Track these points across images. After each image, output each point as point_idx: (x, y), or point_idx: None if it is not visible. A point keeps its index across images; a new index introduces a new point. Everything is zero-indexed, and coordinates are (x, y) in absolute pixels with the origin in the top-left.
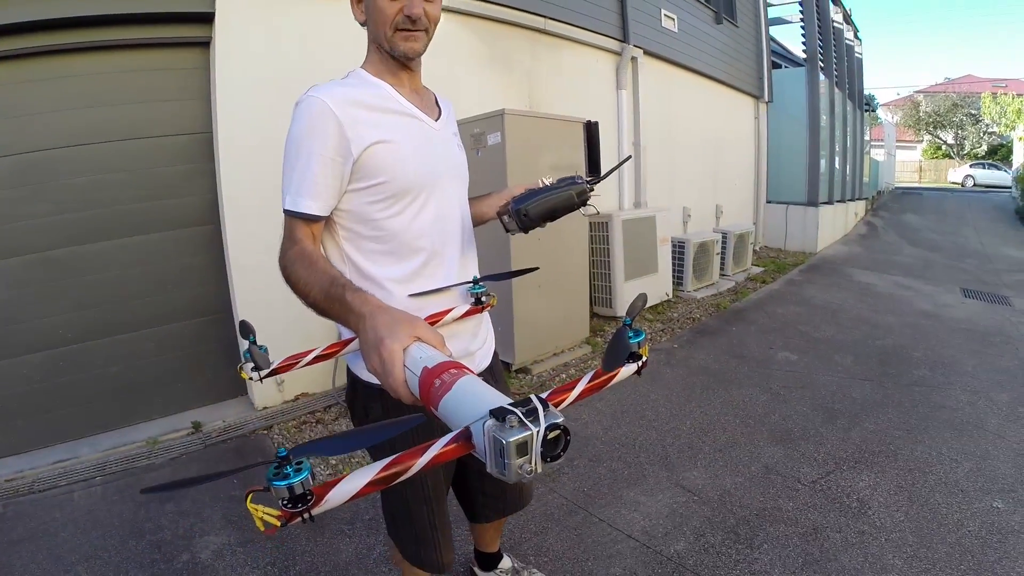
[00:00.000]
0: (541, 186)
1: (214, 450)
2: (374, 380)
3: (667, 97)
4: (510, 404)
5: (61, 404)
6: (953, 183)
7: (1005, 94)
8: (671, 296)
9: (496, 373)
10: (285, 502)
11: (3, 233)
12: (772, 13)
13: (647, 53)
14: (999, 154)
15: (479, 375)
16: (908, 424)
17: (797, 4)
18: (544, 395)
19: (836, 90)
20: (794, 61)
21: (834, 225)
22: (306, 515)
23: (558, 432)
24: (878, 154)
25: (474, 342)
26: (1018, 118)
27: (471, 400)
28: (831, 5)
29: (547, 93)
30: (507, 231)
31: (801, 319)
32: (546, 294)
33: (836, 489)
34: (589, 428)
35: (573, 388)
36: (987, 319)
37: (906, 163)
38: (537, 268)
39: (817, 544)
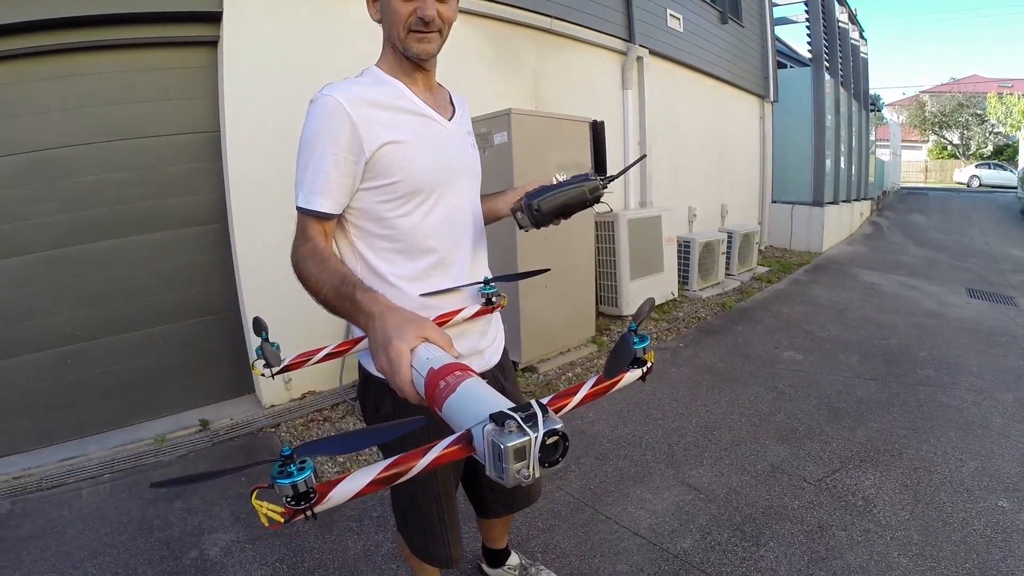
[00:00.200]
0: (554, 183)
1: (222, 448)
2: None
3: (673, 97)
4: (510, 409)
5: (68, 402)
6: (959, 183)
7: (1011, 94)
8: (676, 295)
9: (506, 370)
10: (289, 499)
11: (11, 231)
12: (777, 13)
13: (653, 53)
14: (1005, 154)
15: (489, 372)
16: (913, 423)
17: (802, 4)
18: (545, 400)
19: (841, 90)
20: (799, 61)
21: (839, 225)
22: (309, 512)
23: (557, 438)
24: (883, 154)
25: (483, 340)
26: None
27: (473, 403)
28: (836, 5)
29: (553, 93)
30: (520, 227)
31: (806, 319)
32: (552, 293)
33: (842, 487)
34: (595, 426)
35: (576, 393)
36: (992, 319)
37: (911, 163)
38: (548, 270)
39: (823, 542)
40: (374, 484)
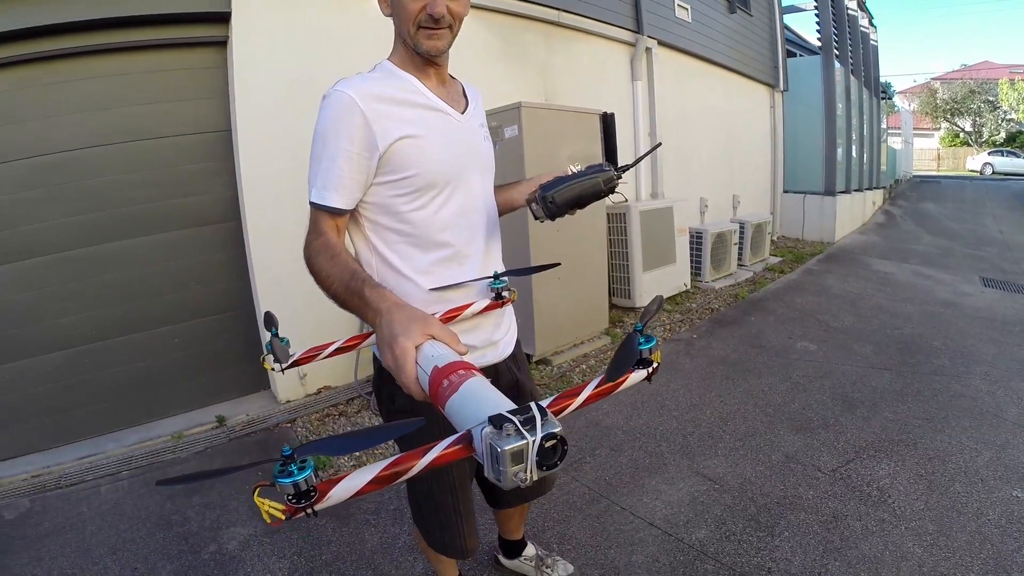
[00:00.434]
0: (569, 174)
1: (238, 443)
2: None
3: (682, 87)
4: (508, 412)
5: (85, 401)
6: (971, 171)
7: (1023, 80)
8: (689, 287)
9: (519, 361)
10: (290, 497)
11: (26, 233)
12: (786, 1)
13: (661, 44)
14: (1017, 141)
15: (503, 362)
16: (928, 413)
17: None
18: (547, 401)
19: (852, 78)
20: (809, 49)
21: (852, 214)
22: (309, 510)
23: (555, 441)
24: (895, 142)
25: (497, 331)
26: None
27: (474, 404)
28: None
29: (562, 85)
30: (535, 218)
31: (820, 309)
32: (565, 285)
33: (856, 478)
34: (610, 417)
35: (579, 394)
36: (1007, 308)
37: (924, 151)
38: (559, 264)
39: (837, 532)
40: (374, 483)
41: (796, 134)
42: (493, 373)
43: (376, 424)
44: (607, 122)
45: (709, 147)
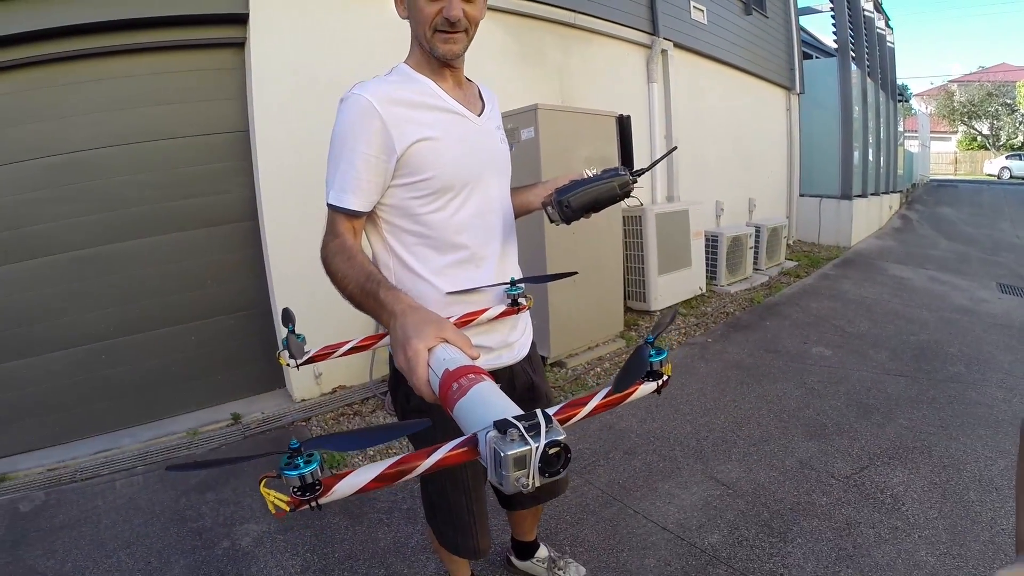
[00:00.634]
0: (585, 177)
1: (253, 441)
2: None
3: (698, 90)
4: (514, 417)
5: (102, 396)
6: (989, 175)
7: None
8: (704, 290)
9: (534, 363)
10: (295, 490)
11: (44, 231)
12: (802, 3)
13: (677, 46)
14: None
15: (518, 364)
16: (943, 420)
17: None
18: (553, 410)
19: (868, 80)
20: (825, 51)
21: (868, 218)
22: (313, 503)
23: (559, 449)
24: (912, 145)
25: (513, 333)
26: None
27: (481, 408)
28: None
29: (578, 88)
30: (551, 221)
31: (835, 314)
32: (580, 288)
33: (870, 484)
34: (624, 421)
35: (586, 403)
36: None
37: (941, 155)
38: (576, 273)
39: (850, 539)
40: (378, 480)
41: (812, 137)
42: (508, 375)
43: (387, 423)
44: (623, 124)
45: (725, 150)
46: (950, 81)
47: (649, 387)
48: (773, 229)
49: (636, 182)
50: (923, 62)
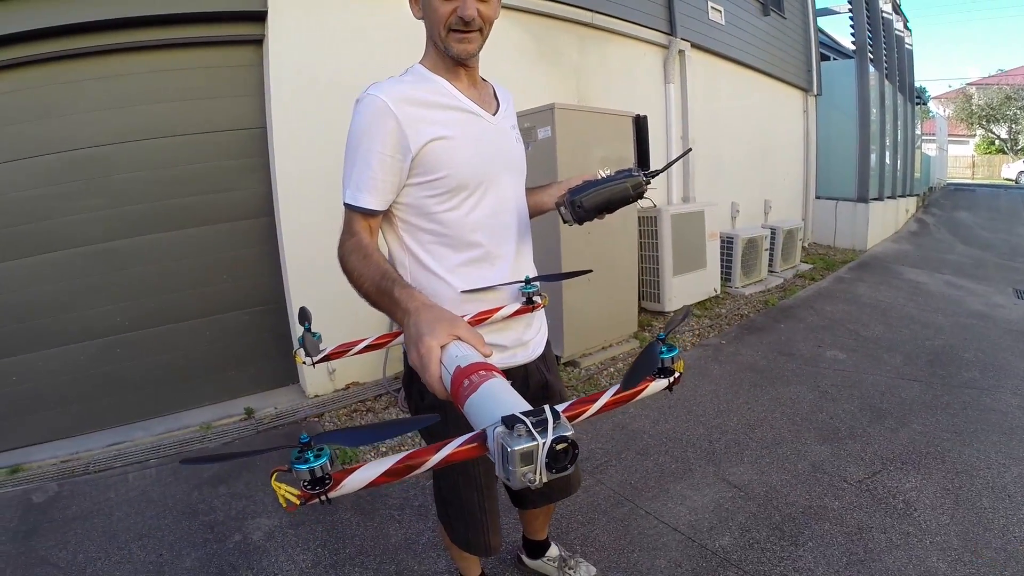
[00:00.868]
0: (598, 178)
1: (266, 436)
2: None
3: (715, 91)
4: (522, 413)
5: (116, 389)
6: (1007, 179)
7: None
8: (719, 292)
9: (549, 362)
10: (305, 484)
11: (61, 225)
12: (820, 4)
13: (694, 46)
14: None
15: (533, 363)
16: (956, 426)
17: None
18: (562, 406)
19: (886, 82)
20: (843, 53)
21: (884, 222)
22: (323, 497)
23: (566, 445)
24: (929, 149)
25: (528, 331)
26: None
27: (491, 404)
28: None
29: (595, 87)
30: (564, 222)
31: (850, 317)
32: (595, 288)
33: (882, 489)
34: (637, 421)
35: (596, 400)
36: None
37: (958, 158)
38: (590, 271)
39: (862, 544)
40: (387, 475)
41: (829, 139)
42: (523, 373)
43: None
44: (640, 125)
45: (741, 151)
46: (968, 84)
47: (660, 384)
48: (788, 231)
49: (649, 183)
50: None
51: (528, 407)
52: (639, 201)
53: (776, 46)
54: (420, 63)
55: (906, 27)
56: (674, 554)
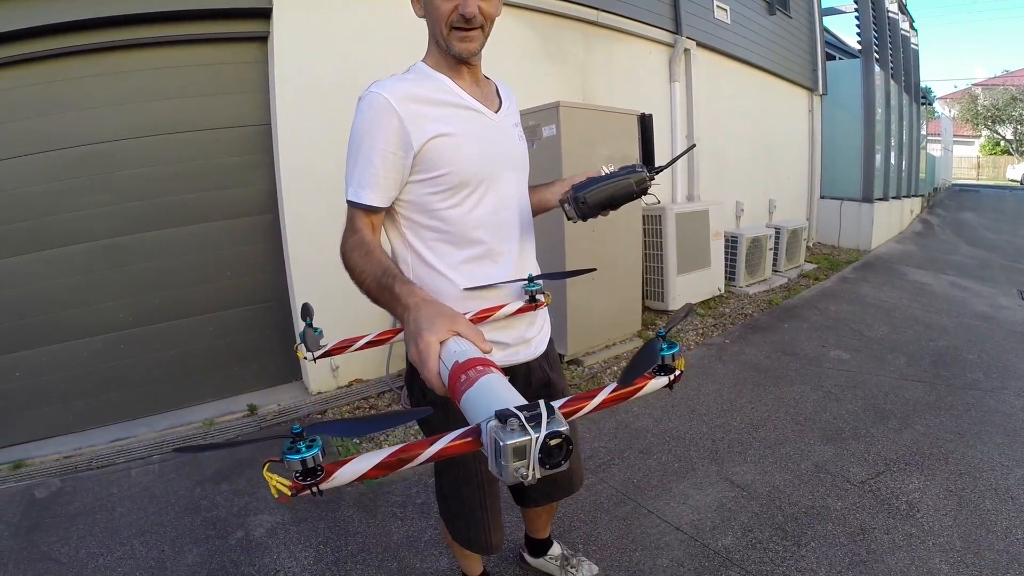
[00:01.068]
0: (602, 174)
1: (268, 432)
2: None
3: (720, 89)
4: (516, 407)
5: (119, 385)
6: (1012, 180)
7: None
8: (723, 291)
9: (552, 360)
10: (297, 475)
11: (64, 221)
12: (826, 3)
13: (700, 45)
14: None
15: (536, 361)
16: (960, 428)
17: None
18: (560, 402)
19: (892, 82)
20: (849, 52)
21: (889, 222)
22: (315, 488)
23: (560, 440)
24: (935, 149)
25: (531, 329)
26: None
27: (486, 399)
28: None
29: (600, 86)
30: (568, 219)
31: (854, 317)
32: (599, 286)
33: (885, 490)
34: (640, 420)
35: (594, 397)
36: None
37: (963, 159)
38: (594, 269)
39: (864, 545)
40: (379, 468)
41: (834, 139)
42: (525, 371)
43: (389, 411)
44: (645, 123)
45: (746, 150)
46: (974, 84)
47: (660, 382)
48: (793, 231)
49: (653, 179)
50: (947, 65)
51: (522, 402)
52: (643, 197)
53: (782, 45)
54: (422, 61)
55: (912, 27)
56: (676, 553)
